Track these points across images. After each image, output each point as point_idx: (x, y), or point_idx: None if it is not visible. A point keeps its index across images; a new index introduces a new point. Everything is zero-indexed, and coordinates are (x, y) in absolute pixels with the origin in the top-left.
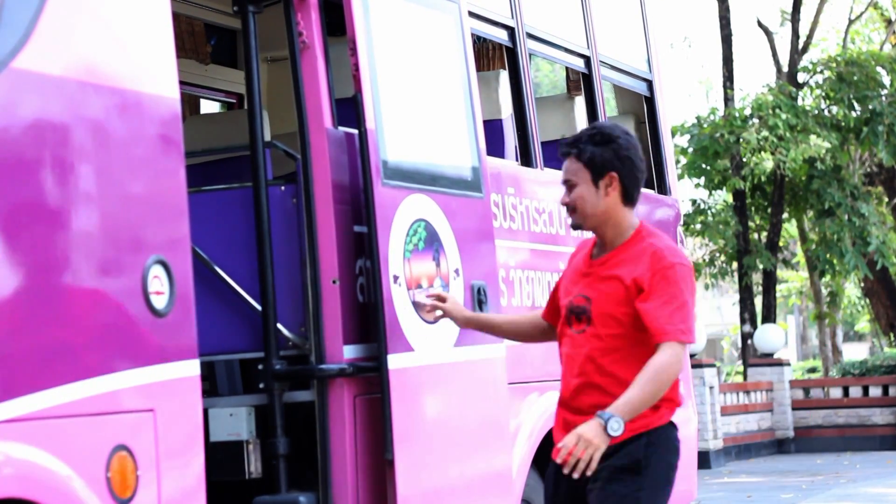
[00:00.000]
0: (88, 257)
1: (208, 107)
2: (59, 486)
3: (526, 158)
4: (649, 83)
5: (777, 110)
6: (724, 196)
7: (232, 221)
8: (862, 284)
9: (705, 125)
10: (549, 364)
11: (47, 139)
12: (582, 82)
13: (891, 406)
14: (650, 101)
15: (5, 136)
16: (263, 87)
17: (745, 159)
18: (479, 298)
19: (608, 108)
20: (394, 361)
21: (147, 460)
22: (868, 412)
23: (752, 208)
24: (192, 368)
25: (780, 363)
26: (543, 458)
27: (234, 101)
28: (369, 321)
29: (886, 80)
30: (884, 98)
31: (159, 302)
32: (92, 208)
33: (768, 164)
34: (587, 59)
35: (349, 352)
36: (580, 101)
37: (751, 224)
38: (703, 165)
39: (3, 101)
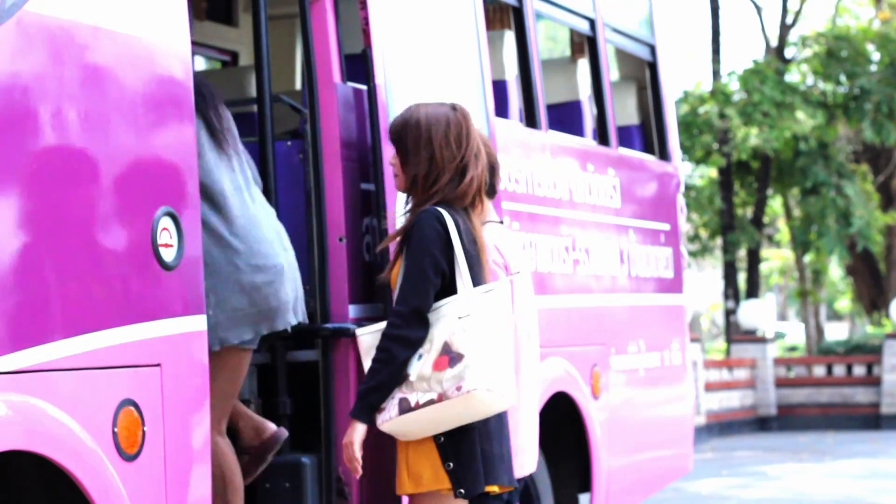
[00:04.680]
0: (97, 209)
1: (200, 64)
2: (65, 439)
3: (531, 120)
4: (652, 48)
5: (763, 85)
6: (706, 172)
7: None
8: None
9: (691, 99)
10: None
11: (56, 87)
12: (586, 45)
13: (874, 385)
14: (653, 66)
15: (14, 83)
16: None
17: (729, 135)
18: None
19: (611, 72)
20: None
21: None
22: (851, 391)
23: (738, 184)
24: (199, 323)
25: (763, 340)
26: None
27: (228, 58)
28: (375, 280)
29: (875, 56)
30: (872, 75)
31: (168, 255)
32: (102, 158)
33: (753, 140)
34: (592, 22)
35: (354, 311)
36: (583, 65)
37: (735, 200)
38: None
39: (11, 48)
